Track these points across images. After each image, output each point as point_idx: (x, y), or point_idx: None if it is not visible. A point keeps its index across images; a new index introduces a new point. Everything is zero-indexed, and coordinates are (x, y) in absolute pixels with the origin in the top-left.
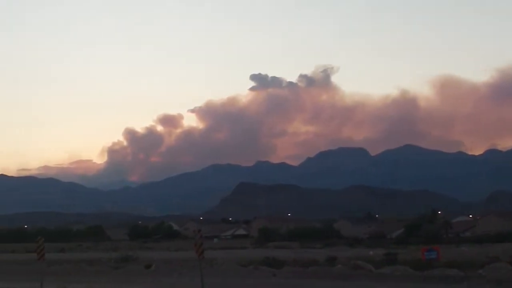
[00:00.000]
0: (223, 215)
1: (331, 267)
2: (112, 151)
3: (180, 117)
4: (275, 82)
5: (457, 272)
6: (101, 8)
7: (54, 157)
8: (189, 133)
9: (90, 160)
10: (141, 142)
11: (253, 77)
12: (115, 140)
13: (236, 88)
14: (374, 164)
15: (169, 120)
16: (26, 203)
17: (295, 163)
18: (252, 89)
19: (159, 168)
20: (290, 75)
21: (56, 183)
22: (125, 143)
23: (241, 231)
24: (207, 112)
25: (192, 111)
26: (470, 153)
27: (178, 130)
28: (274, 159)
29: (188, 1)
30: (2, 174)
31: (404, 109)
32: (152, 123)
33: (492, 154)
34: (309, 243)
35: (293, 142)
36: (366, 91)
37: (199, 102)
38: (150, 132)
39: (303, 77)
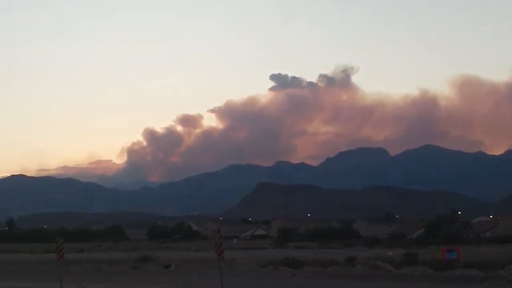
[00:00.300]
0: (243, 215)
1: (351, 268)
2: (132, 151)
3: (200, 117)
4: (295, 82)
5: (477, 272)
6: (122, 7)
7: (74, 157)
8: (208, 133)
9: (110, 160)
10: (160, 142)
11: (273, 77)
12: (135, 140)
13: (256, 88)
14: (393, 164)
15: (188, 120)
16: (45, 203)
17: (314, 163)
18: (272, 89)
19: (179, 168)
20: (310, 75)
21: (75, 183)
22: (144, 143)
23: (261, 231)
24: (226, 112)
25: (212, 111)
26: (490, 153)
27: (198, 130)
28: (294, 159)
29: (208, 1)
30: (21, 174)
31: (424, 109)
32: (172, 123)
33: None
34: (328, 243)
35: (313, 142)
36: (386, 91)
37: (219, 102)
38: (170, 132)
39: (323, 77)
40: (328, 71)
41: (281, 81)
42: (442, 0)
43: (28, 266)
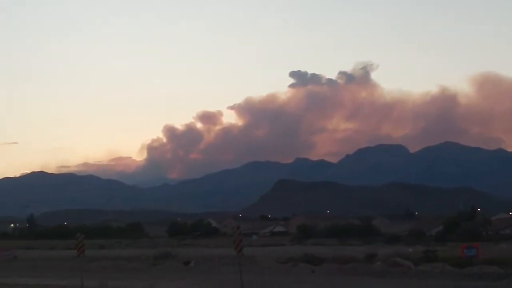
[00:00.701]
0: (262, 212)
1: (370, 264)
2: (152, 148)
3: (220, 114)
4: (315, 79)
5: (496, 269)
6: (142, 6)
7: (94, 154)
8: (228, 130)
9: (130, 157)
10: (180, 139)
11: (293, 74)
12: (155, 137)
13: (276, 85)
14: (413, 161)
15: (208, 117)
16: (65, 200)
17: (334, 160)
18: (291, 86)
19: (198, 165)
20: (330, 72)
21: (96, 180)
22: (164, 140)
23: (280, 228)
24: (246, 109)
25: (232, 108)
26: (510, 150)
27: (218, 127)
28: (313, 156)
29: None
30: (42, 171)
31: (443, 106)
32: (192, 120)
33: None
34: (347, 240)
35: (332, 139)
36: (405, 88)
37: (239, 99)
38: (190, 129)
39: (342, 74)
40: (348, 68)
41: (300, 78)
42: None
43: (49, 263)
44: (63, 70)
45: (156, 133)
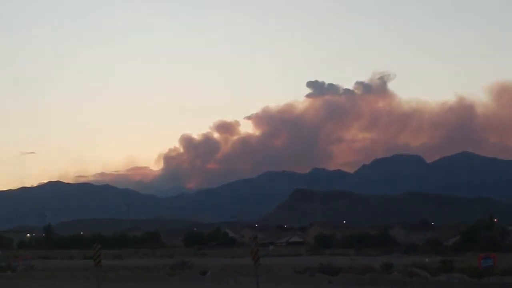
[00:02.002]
0: (279, 222)
1: (387, 274)
2: (169, 158)
3: (237, 124)
4: (332, 89)
5: None
6: (159, 15)
7: (111, 163)
8: (245, 140)
9: (147, 167)
10: (197, 149)
11: (310, 84)
12: (172, 147)
13: (293, 95)
14: (430, 171)
15: (225, 127)
16: (83, 210)
17: (351, 170)
18: (308, 96)
19: (216, 175)
20: (347, 82)
21: (113, 189)
22: (181, 149)
23: (296, 238)
24: (263, 119)
25: (249, 118)
26: None
27: (235, 137)
28: (330, 166)
29: (246, 9)
30: (59, 181)
31: (461, 116)
32: (209, 130)
33: None
34: (365, 250)
35: (350, 149)
36: (423, 98)
37: (256, 109)
38: (207, 139)
39: (359, 84)
40: (365, 78)
41: (317, 88)
42: (479, 6)
43: (66, 272)
44: (80, 79)
45: (173, 143)
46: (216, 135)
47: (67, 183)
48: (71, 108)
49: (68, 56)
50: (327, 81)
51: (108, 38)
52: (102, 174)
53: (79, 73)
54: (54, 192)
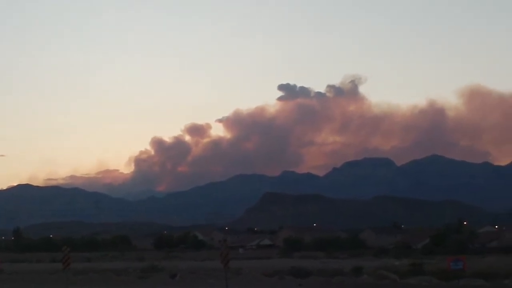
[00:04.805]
0: (249, 225)
1: (357, 277)
2: (140, 161)
3: (208, 126)
4: (303, 92)
5: (483, 282)
6: (132, 20)
7: (81, 166)
8: (216, 143)
9: (117, 170)
10: (168, 152)
11: (281, 87)
12: (142, 149)
13: (264, 98)
14: (400, 174)
15: (196, 130)
16: (52, 213)
17: (321, 173)
18: (280, 99)
19: (186, 177)
20: (318, 85)
21: (83, 192)
22: (152, 152)
23: (266, 241)
24: (235, 122)
25: (220, 120)
26: (496, 163)
27: (206, 140)
28: (301, 169)
29: (216, 12)
30: (28, 184)
31: (431, 119)
32: (180, 133)
33: None
34: (335, 253)
35: (320, 152)
36: (394, 102)
37: (227, 112)
38: (178, 142)
39: (331, 87)
40: (336, 81)
41: (289, 91)
42: (450, 9)
43: (34, 276)
44: (50, 82)
45: (144, 145)
46: (187, 137)
47: (37, 186)
48: (40, 111)
49: (37, 57)
50: (298, 84)
51: (77, 40)
52: (72, 177)
53: (49, 75)
54: (24, 195)
